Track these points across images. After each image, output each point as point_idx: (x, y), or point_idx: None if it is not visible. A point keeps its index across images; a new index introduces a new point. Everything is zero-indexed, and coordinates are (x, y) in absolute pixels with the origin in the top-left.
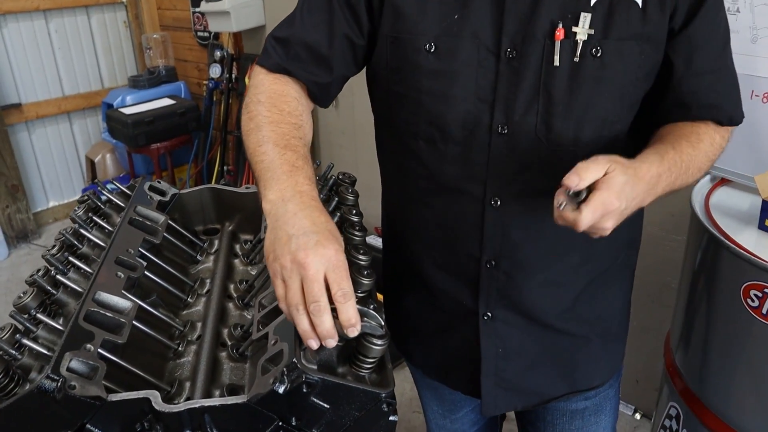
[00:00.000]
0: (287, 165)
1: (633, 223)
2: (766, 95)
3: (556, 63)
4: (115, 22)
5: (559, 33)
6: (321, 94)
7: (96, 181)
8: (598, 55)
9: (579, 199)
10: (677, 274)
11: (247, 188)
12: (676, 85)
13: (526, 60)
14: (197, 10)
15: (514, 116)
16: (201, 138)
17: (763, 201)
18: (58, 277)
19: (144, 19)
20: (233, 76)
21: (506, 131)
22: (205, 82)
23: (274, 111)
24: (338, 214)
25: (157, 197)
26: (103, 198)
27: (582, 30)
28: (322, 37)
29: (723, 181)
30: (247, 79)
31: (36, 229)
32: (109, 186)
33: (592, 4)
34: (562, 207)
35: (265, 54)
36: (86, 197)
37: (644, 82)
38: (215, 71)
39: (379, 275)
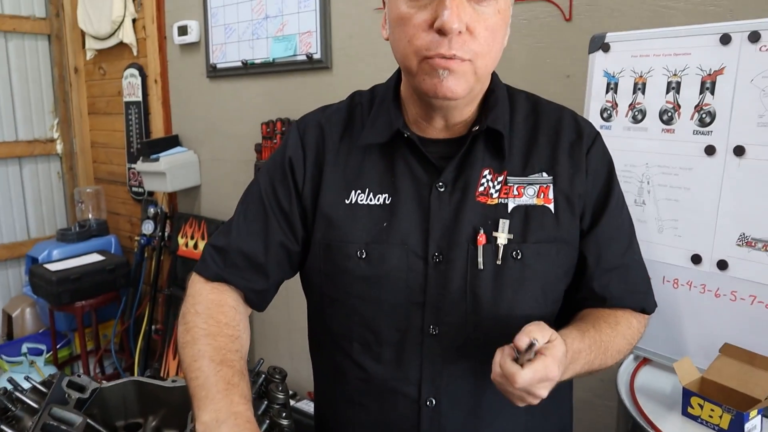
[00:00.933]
0: (222, 383)
1: (563, 408)
2: (675, 281)
3: (480, 266)
4: (48, 173)
5: (481, 238)
6: (258, 300)
7: (9, 379)
8: (519, 257)
9: (519, 360)
10: None
11: (173, 381)
12: (589, 280)
13: (452, 264)
14: (133, 167)
15: (444, 317)
16: (129, 294)
17: (684, 388)
18: None
19: (78, 171)
20: (166, 234)
21: (437, 332)
22: (137, 237)
23: (211, 323)
24: (267, 421)
25: (75, 394)
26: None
27: (502, 235)
28: (258, 246)
29: (647, 360)
30: (180, 239)
31: None
32: (25, 347)
33: (509, 211)
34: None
35: (203, 263)
36: None
37: (564, 278)
38: (148, 227)
39: None
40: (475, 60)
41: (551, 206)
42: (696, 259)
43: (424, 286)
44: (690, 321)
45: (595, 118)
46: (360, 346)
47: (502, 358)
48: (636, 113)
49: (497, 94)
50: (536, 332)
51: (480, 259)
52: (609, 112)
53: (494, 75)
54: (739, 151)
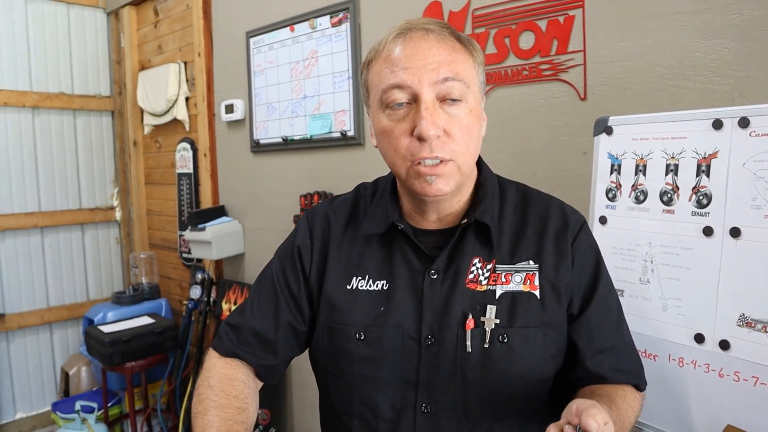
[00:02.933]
0: None
1: None
2: (681, 359)
3: (469, 349)
4: (108, 239)
5: (470, 322)
6: (267, 375)
7: None
8: (505, 341)
9: None
10: None
11: None
12: (582, 362)
13: (443, 346)
14: (183, 234)
15: (436, 396)
16: (177, 356)
17: None
18: None
19: (134, 237)
20: (212, 299)
21: (429, 410)
22: (185, 301)
23: (222, 395)
24: None
25: None
26: None
27: (489, 320)
28: (268, 325)
29: None
30: (224, 304)
31: None
32: (78, 405)
33: (497, 297)
34: None
35: (219, 339)
36: None
37: (552, 361)
38: (195, 292)
39: None
40: (456, 158)
41: (537, 293)
42: (699, 339)
43: (417, 366)
44: (696, 399)
45: (600, 198)
46: (359, 422)
47: None
48: (638, 194)
49: (486, 187)
50: (599, 416)
51: (468, 342)
52: (614, 192)
53: (485, 167)
54: (735, 232)
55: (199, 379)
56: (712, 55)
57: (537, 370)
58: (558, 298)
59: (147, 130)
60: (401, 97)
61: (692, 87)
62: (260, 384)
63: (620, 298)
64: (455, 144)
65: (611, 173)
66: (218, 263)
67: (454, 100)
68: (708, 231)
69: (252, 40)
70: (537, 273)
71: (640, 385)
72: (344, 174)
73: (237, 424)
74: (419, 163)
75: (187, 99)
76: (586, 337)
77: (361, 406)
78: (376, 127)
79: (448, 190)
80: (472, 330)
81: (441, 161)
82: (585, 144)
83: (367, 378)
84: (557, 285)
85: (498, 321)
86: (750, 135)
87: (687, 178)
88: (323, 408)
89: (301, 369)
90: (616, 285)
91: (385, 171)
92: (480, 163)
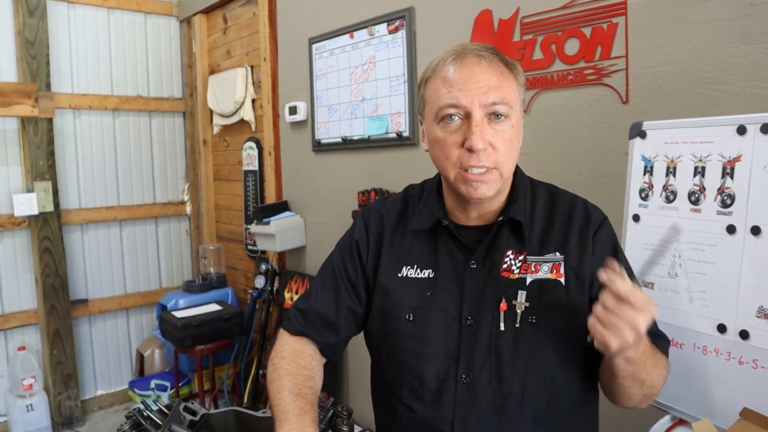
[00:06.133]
0: (297, 409)
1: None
2: (705, 348)
3: (502, 328)
4: (179, 231)
5: (503, 306)
6: (330, 352)
7: (142, 401)
8: (534, 321)
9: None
10: None
11: (263, 412)
12: None
13: (480, 326)
14: (248, 227)
15: (474, 369)
16: (242, 341)
17: None
18: None
19: (203, 230)
20: (274, 288)
21: (468, 381)
22: (250, 290)
23: (293, 365)
24: None
25: (189, 416)
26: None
27: (520, 303)
28: (331, 309)
29: (681, 422)
30: (286, 293)
31: (81, 416)
32: (153, 384)
33: (527, 284)
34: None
35: (288, 321)
36: (132, 413)
37: (578, 342)
38: (260, 282)
39: None
40: (499, 167)
41: (562, 280)
42: (721, 329)
43: (458, 343)
44: (717, 385)
45: (634, 198)
46: (408, 391)
47: (613, 284)
48: (668, 194)
49: (520, 189)
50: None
51: (501, 323)
52: (646, 192)
53: (519, 171)
54: (755, 230)
55: (272, 352)
56: (750, 59)
57: (562, 349)
58: (581, 285)
59: (216, 129)
60: (456, 115)
61: (730, 91)
62: (324, 360)
63: (650, 291)
64: (499, 155)
65: (644, 174)
66: (281, 255)
67: (499, 118)
68: (731, 229)
69: (314, 45)
70: (562, 263)
71: (666, 353)
72: (399, 172)
73: (306, 388)
74: (467, 170)
75: (253, 101)
76: None
77: (409, 377)
78: (430, 136)
79: (491, 194)
80: (504, 312)
81: (486, 170)
82: (627, 146)
83: (415, 353)
84: (581, 273)
85: (528, 304)
86: None
87: (713, 180)
88: (375, 381)
89: (358, 356)
90: (649, 279)
91: (435, 170)
92: (516, 168)
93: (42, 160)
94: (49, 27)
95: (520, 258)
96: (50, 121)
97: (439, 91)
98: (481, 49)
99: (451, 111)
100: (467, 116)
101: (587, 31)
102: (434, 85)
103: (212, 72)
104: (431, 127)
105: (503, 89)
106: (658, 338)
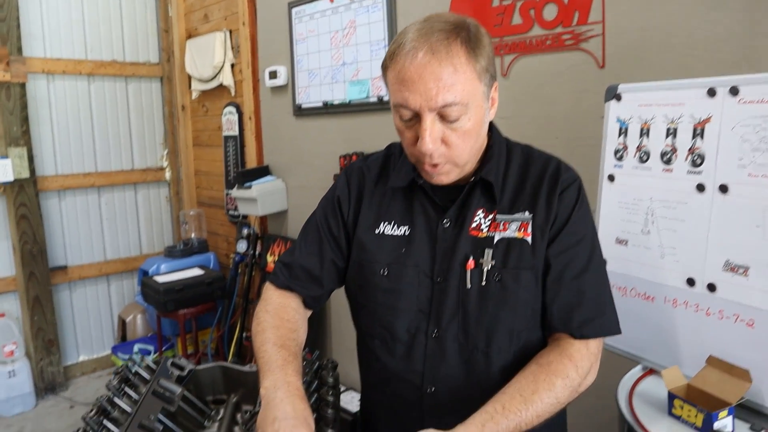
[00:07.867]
0: (281, 360)
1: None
2: (674, 300)
3: (468, 286)
4: (158, 198)
5: (470, 264)
6: (313, 304)
7: (130, 358)
8: (498, 279)
9: None
10: None
11: (250, 367)
12: (544, 294)
13: (449, 283)
14: (230, 192)
15: (442, 324)
16: (225, 305)
17: (669, 392)
18: None
19: (183, 196)
20: (257, 252)
21: (437, 335)
22: (232, 255)
23: (277, 318)
24: (316, 394)
25: (176, 372)
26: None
27: (486, 261)
28: (315, 262)
29: (651, 371)
30: (269, 257)
31: (64, 381)
32: (136, 348)
33: (494, 243)
34: None
35: (274, 275)
36: (120, 369)
37: (540, 299)
38: (242, 246)
39: None
40: (453, 160)
41: (529, 239)
42: (690, 282)
43: (430, 299)
44: (685, 336)
45: (609, 158)
46: (380, 342)
47: None
48: (642, 155)
49: (494, 150)
50: None
51: (468, 281)
52: (621, 153)
53: (495, 131)
54: (723, 188)
55: (258, 306)
56: (721, 26)
57: (526, 306)
58: (545, 243)
59: (194, 95)
60: (407, 114)
61: (703, 56)
62: (308, 312)
63: (623, 247)
64: (452, 150)
65: (619, 136)
66: (263, 219)
67: (452, 120)
68: (700, 187)
69: (294, 10)
70: (530, 222)
71: (586, 333)
72: (381, 136)
73: (289, 341)
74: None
75: (232, 66)
76: (550, 267)
77: (381, 329)
78: (394, 119)
79: (449, 181)
80: (471, 270)
81: (440, 164)
82: (603, 109)
83: (388, 306)
84: (545, 231)
85: (494, 263)
86: (739, 102)
87: (684, 141)
88: (356, 331)
89: (340, 317)
90: (622, 236)
91: None
92: (491, 128)
93: (16, 126)
94: None
95: (490, 217)
96: (23, 86)
97: (393, 86)
98: (440, 37)
99: (403, 111)
100: (418, 116)
101: None
102: (391, 76)
103: (189, 36)
104: (393, 113)
105: (457, 87)
106: (588, 322)
